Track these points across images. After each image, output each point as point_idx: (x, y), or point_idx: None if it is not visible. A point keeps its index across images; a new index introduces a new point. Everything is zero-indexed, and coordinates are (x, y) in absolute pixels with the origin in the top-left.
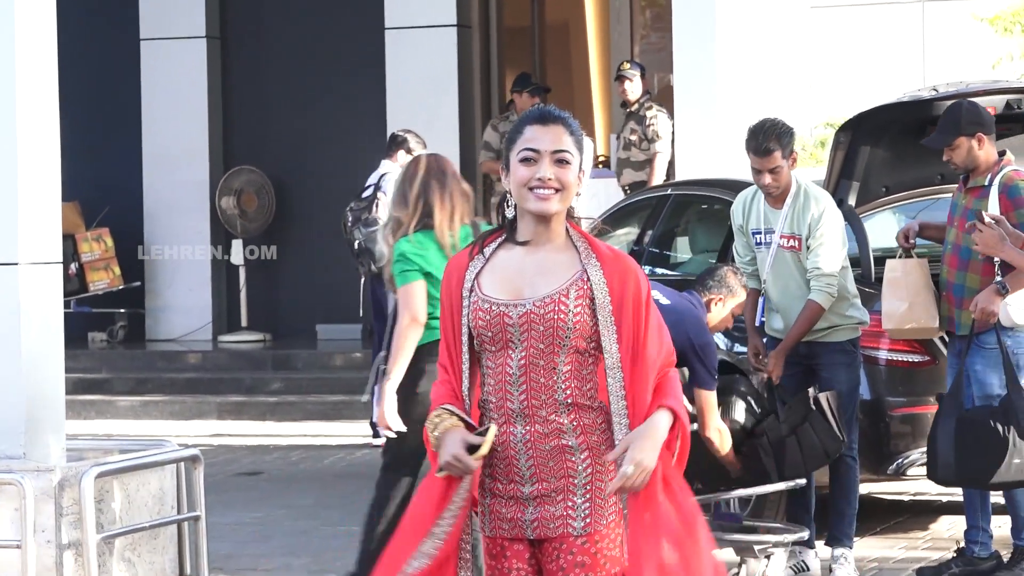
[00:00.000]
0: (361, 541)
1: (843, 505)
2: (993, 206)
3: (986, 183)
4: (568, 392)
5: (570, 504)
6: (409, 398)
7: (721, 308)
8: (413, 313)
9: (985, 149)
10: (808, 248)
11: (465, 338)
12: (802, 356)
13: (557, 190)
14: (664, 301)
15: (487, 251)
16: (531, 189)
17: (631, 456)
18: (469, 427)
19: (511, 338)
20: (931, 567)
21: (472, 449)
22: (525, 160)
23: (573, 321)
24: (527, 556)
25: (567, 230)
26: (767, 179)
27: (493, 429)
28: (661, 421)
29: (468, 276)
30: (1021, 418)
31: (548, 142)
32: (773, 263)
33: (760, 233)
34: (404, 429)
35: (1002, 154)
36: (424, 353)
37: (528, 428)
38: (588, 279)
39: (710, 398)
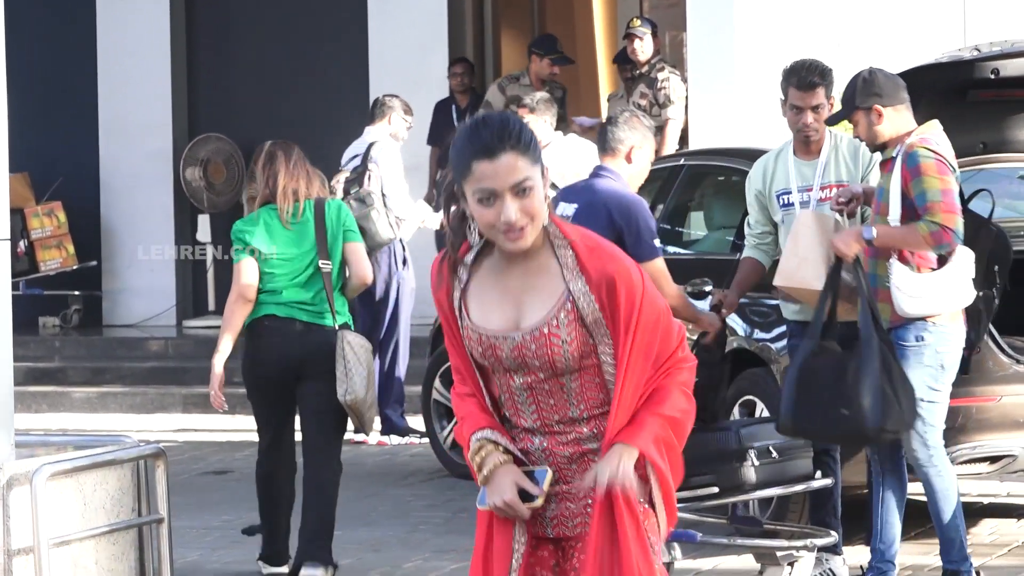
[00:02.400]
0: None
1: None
2: (896, 181)
3: (894, 155)
4: (582, 408)
5: (590, 503)
6: (246, 370)
7: (643, 153)
8: (239, 290)
9: (889, 121)
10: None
11: (470, 356)
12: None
13: (527, 225)
14: (569, 212)
15: (467, 260)
16: (502, 231)
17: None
18: (518, 461)
19: (508, 367)
20: None
21: (526, 496)
22: (482, 201)
23: (568, 351)
24: (547, 555)
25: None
26: (808, 118)
27: (549, 475)
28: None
29: (455, 296)
30: (863, 373)
31: (503, 179)
32: None
33: (789, 193)
34: (226, 407)
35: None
36: (256, 327)
37: (546, 439)
38: (573, 298)
39: (656, 266)
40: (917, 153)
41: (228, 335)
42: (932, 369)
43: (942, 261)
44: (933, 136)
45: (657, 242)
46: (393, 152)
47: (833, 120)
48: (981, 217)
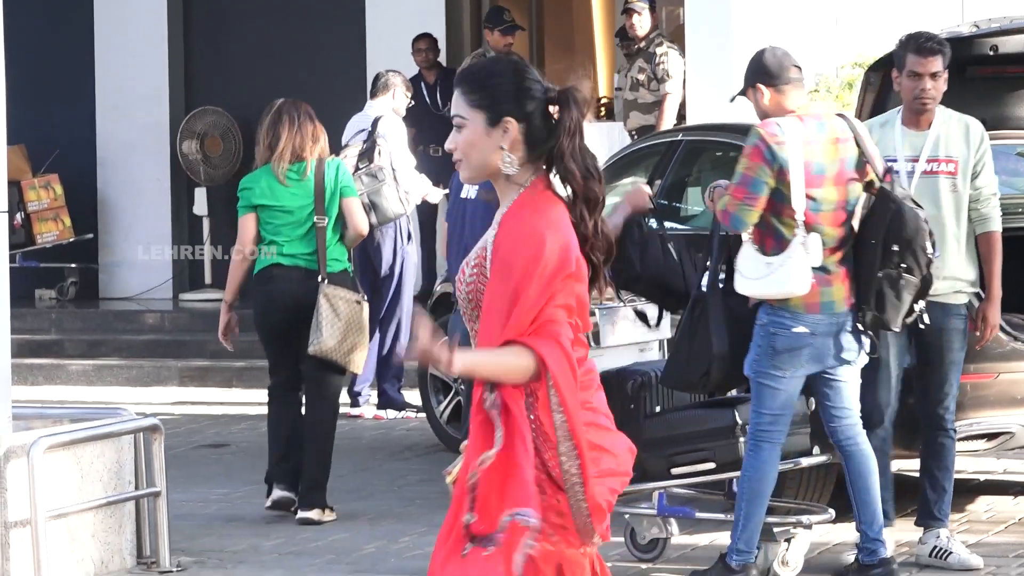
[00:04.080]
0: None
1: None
2: None
3: None
4: None
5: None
6: (256, 314)
7: None
8: (239, 244)
9: (771, 100)
10: (977, 172)
11: None
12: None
13: (460, 159)
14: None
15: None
16: None
17: None
18: None
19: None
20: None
21: None
22: None
23: (465, 293)
24: None
25: (531, 188)
26: (927, 84)
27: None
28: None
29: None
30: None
31: (452, 108)
32: (918, 194)
33: (894, 161)
34: (231, 347)
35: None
36: (263, 275)
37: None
38: (485, 246)
39: None
40: (750, 134)
41: (231, 283)
42: (762, 350)
43: (786, 246)
44: (785, 122)
45: None
46: (399, 126)
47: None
48: (887, 195)
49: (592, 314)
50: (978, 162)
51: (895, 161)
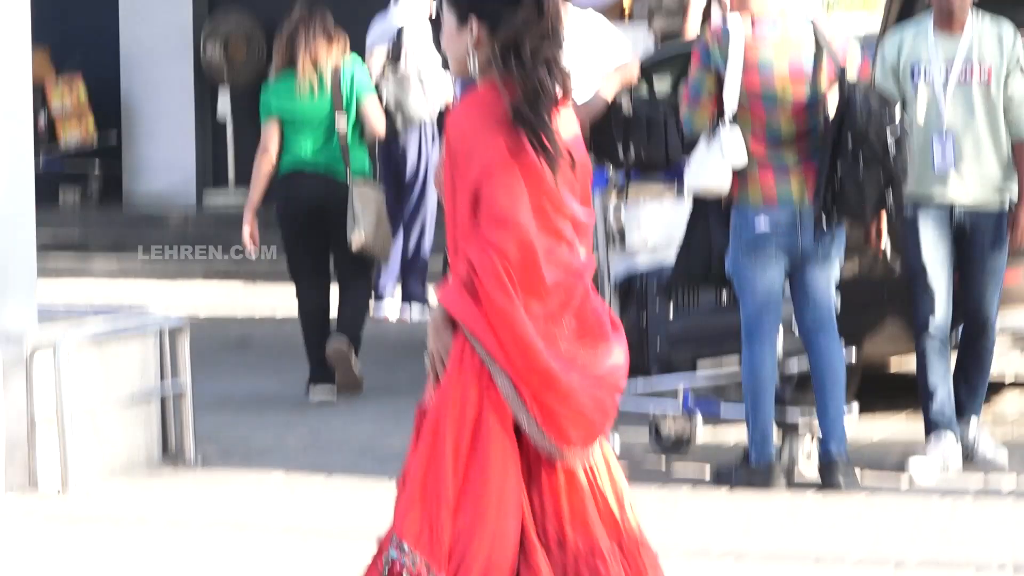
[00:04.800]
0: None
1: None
2: None
3: None
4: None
5: None
6: (280, 216)
7: None
8: (260, 148)
9: (733, 1)
10: (1010, 77)
11: None
12: (955, 225)
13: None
14: None
15: None
16: None
17: None
18: None
19: None
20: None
21: None
22: None
23: (439, 177)
24: None
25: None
26: None
27: None
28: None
29: None
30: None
31: None
32: (953, 101)
33: (926, 67)
34: (255, 254)
35: None
36: (286, 178)
37: None
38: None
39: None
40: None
41: (254, 188)
42: (734, 247)
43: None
44: (733, 20)
45: None
46: (426, 30)
47: None
48: (841, 88)
49: (618, 211)
50: (1011, 67)
51: (927, 66)
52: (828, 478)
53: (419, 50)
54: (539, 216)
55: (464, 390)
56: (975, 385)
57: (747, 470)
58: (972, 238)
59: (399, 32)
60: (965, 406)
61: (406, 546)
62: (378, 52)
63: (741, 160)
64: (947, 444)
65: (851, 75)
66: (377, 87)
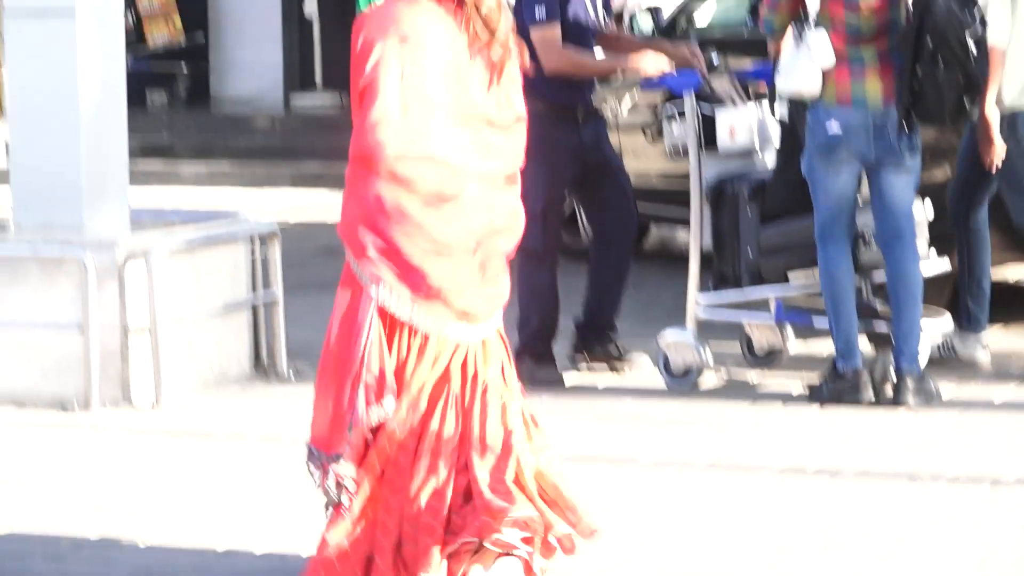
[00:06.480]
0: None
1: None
2: None
3: None
4: None
5: None
6: None
7: None
8: None
9: None
10: None
11: None
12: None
13: None
14: None
15: None
16: None
17: None
18: None
19: None
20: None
21: None
22: None
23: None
24: None
25: None
26: None
27: None
28: None
29: None
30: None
31: None
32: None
33: None
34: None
35: None
36: None
37: None
38: None
39: (534, 33)
40: None
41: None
42: (809, 149)
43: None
44: None
45: (542, 10)
46: None
47: None
48: None
49: (709, 115)
50: None
51: None
52: (897, 396)
53: None
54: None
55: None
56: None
57: (835, 381)
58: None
59: None
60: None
61: (314, 449)
62: None
63: (829, 61)
64: None
65: None
66: None
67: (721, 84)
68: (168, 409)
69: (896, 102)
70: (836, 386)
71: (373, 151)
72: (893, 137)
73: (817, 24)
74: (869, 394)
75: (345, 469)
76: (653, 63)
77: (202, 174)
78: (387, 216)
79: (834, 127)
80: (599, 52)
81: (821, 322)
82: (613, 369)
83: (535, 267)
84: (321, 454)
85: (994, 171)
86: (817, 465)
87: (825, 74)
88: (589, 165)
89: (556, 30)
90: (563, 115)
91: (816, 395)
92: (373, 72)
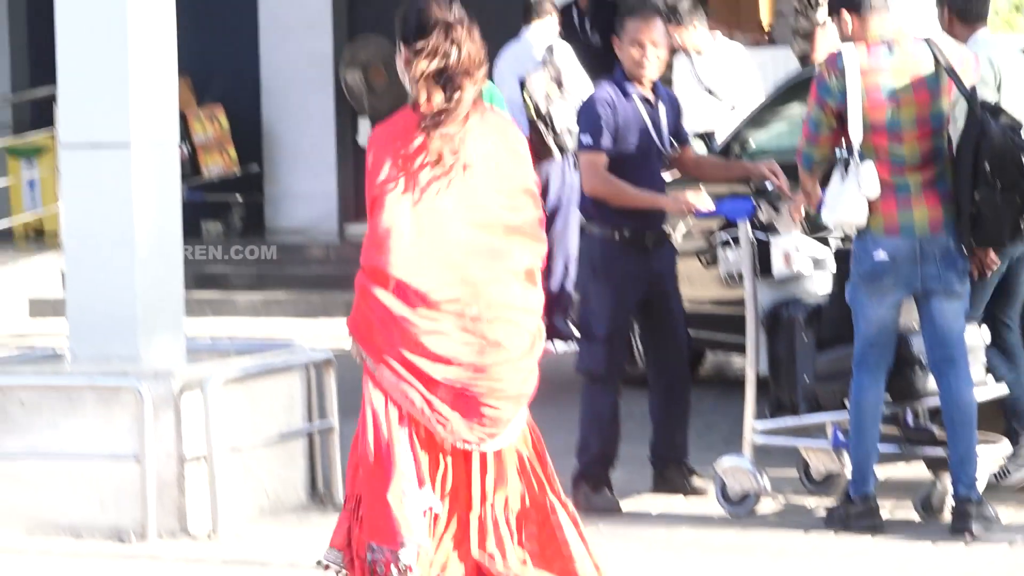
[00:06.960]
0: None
1: None
2: None
3: None
4: None
5: None
6: None
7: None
8: None
9: (853, 28)
10: None
11: None
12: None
13: None
14: None
15: None
16: None
17: None
18: None
19: None
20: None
21: None
22: None
23: None
24: None
25: None
26: None
27: None
28: None
29: None
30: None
31: None
32: None
33: None
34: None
35: None
36: None
37: None
38: None
39: (581, 158)
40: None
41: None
42: (853, 277)
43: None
44: (847, 51)
45: (587, 137)
46: (570, 51)
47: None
48: (972, 112)
49: (764, 243)
50: None
51: None
52: (957, 523)
53: (572, 71)
54: None
55: (365, 392)
56: None
57: (846, 506)
58: None
59: (550, 51)
60: None
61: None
62: (536, 77)
63: (875, 192)
64: None
65: (968, 85)
66: (544, 113)
67: (784, 211)
68: (225, 538)
69: (957, 227)
70: (847, 511)
71: (380, 267)
72: (940, 264)
73: (863, 156)
74: (878, 520)
75: (407, 558)
76: (695, 201)
77: (257, 303)
78: (393, 322)
79: (881, 255)
80: (672, 175)
81: (883, 447)
82: (693, 493)
83: (599, 391)
84: (384, 549)
85: None
86: None
87: (871, 203)
88: (655, 292)
89: (599, 156)
90: (632, 242)
91: (829, 520)
92: (381, 187)
